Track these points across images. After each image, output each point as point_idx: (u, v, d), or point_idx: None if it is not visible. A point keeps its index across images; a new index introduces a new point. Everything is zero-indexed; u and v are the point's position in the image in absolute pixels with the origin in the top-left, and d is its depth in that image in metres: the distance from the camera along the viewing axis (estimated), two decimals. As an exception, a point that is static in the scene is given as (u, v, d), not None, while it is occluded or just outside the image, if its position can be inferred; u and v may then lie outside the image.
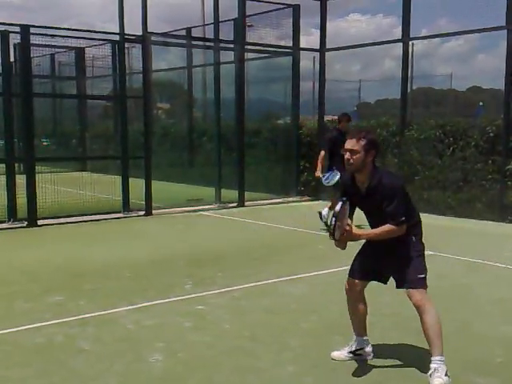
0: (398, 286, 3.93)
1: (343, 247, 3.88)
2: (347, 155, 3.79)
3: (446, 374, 3.68)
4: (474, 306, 5.51)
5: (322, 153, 9.31)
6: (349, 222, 3.79)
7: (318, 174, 9.27)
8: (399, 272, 3.85)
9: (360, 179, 3.85)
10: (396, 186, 3.79)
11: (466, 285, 6.19)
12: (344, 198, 3.77)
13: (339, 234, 3.70)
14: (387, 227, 3.75)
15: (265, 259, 7.40)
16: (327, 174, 8.93)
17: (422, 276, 3.81)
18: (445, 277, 6.55)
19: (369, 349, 4.18)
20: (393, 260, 3.88)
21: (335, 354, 4.21)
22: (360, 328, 4.17)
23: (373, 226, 3.90)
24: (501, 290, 6.07)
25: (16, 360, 4.20)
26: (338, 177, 8.61)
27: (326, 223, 3.72)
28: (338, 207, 3.65)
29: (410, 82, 13.72)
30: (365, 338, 4.18)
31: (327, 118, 13.76)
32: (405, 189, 3.87)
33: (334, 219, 3.62)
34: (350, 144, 3.79)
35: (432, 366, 3.72)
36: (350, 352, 4.17)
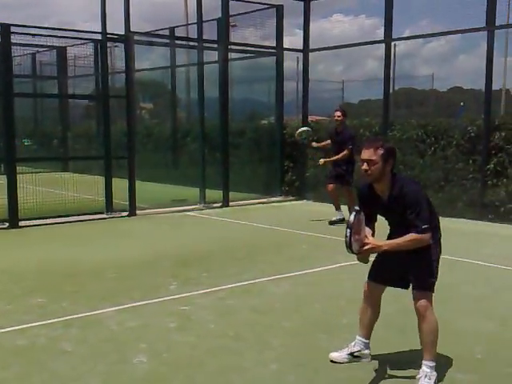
0: (409, 287, 3.86)
1: (366, 261, 3.81)
2: (364, 166, 3.68)
3: (435, 382, 3.68)
4: (454, 303, 5.56)
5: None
6: (367, 233, 3.72)
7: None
8: (415, 272, 3.79)
9: (379, 188, 3.77)
10: (419, 194, 3.71)
11: (446, 283, 6.19)
12: (357, 209, 3.68)
13: (358, 247, 3.61)
14: (410, 236, 3.65)
15: (249, 259, 7.40)
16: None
17: (432, 280, 3.78)
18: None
19: (367, 351, 4.15)
20: (413, 261, 3.79)
21: (334, 355, 4.17)
22: (366, 330, 4.14)
23: (395, 235, 3.81)
24: (481, 287, 6.14)
25: (-2, 362, 4.16)
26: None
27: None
28: (351, 218, 3.55)
29: (392, 82, 13.85)
30: (367, 341, 4.15)
31: (311, 118, 13.81)
32: (426, 195, 3.80)
33: (348, 231, 3.49)
34: (367, 154, 3.68)
35: (424, 369, 3.71)
36: (349, 354, 4.13)
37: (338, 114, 10.01)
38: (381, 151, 3.68)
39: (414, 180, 3.93)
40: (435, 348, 3.76)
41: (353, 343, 4.16)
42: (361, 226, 3.64)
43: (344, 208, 9.84)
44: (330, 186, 10.03)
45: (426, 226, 3.64)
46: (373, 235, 3.87)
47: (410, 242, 3.67)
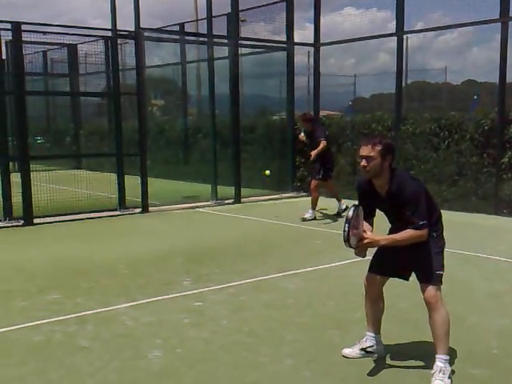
0: (418, 280, 3.86)
1: (363, 255, 3.84)
2: (363, 162, 3.71)
3: (449, 377, 3.67)
4: (468, 299, 5.53)
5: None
6: (366, 227, 3.74)
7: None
8: (419, 266, 3.81)
9: (378, 184, 3.78)
10: (417, 191, 3.70)
11: (460, 278, 6.21)
12: (357, 204, 3.71)
13: (356, 241, 3.64)
14: (407, 233, 3.67)
15: (262, 255, 7.41)
16: None
17: (440, 272, 3.77)
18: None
19: (380, 347, 4.15)
20: (413, 254, 3.80)
21: (347, 351, 4.18)
22: (375, 325, 4.15)
23: (394, 229, 3.84)
24: (495, 283, 6.10)
25: (14, 359, 4.20)
26: None
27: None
28: (350, 213, 3.57)
29: (404, 76, 13.74)
30: (377, 335, 4.15)
31: (322, 113, 13.76)
32: (424, 188, 3.79)
33: (347, 225, 3.53)
34: (365, 151, 3.70)
35: (438, 364, 3.70)
36: (362, 349, 4.14)
37: (301, 123, 10.61)
38: (379, 147, 3.70)
39: (414, 176, 3.89)
40: (448, 341, 3.75)
41: (364, 339, 4.16)
42: (359, 220, 3.65)
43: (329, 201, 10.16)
44: (313, 183, 10.13)
45: (423, 223, 3.66)
46: (371, 230, 3.87)
47: (407, 238, 3.70)
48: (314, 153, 9.88)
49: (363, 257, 3.85)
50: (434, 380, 3.66)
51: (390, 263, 3.97)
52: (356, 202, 3.80)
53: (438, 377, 3.66)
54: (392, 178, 3.75)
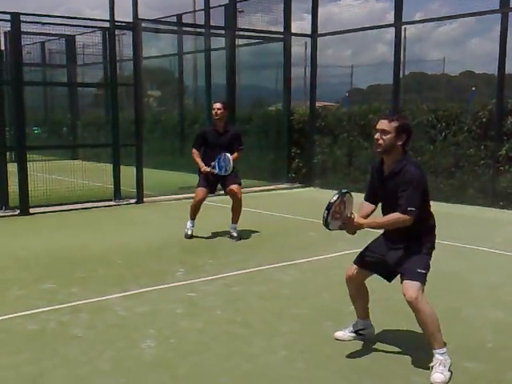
0: (401, 279, 3.84)
1: (353, 233, 3.86)
2: (377, 135, 3.76)
3: (449, 369, 3.68)
4: (464, 291, 5.55)
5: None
6: (352, 212, 3.75)
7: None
8: (403, 263, 3.79)
9: (387, 163, 3.82)
10: (417, 177, 3.71)
11: (456, 270, 6.22)
12: (344, 190, 3.71)
13: (337, 225, 3.71)
14: (392, 216, 3.70)
15: (256, 246, 7.42)
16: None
17: (422, 271, 3.73)
18: (434, 262, 6.58)
19: (370, 330, 4.26)
20: (401, 252, 3.82)
21: (339, 334, 4.29)
22: (362, 313, 4.23)
23: (384, 215, 3.84)
24: (491, 275, 6.11)
25: (8, 347, 4.20)
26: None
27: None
28: (333, 199, 3.62)
29: (402, 67, 13.71)
30: (367, 321, 4.24)
31: (319, 103, 13.73)
32: (425, 181, 3.78)
33: (326, 212, 3.59)
34: (382, 125, 3.76)
35: (437, 357, 3.70)
36: (353, 332, 4.24)
37: (219, 105, 7.70)
38: (395, 124, 3.73)
39: (420, 166, 3.87)
40: (440, 335, 3.75)
41: (355, 322, 4.25)
42: (346, 205, 3.68)
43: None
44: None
45: (411, 209, 3.65)
46: (368, 216, 3.91)
47: (391, 221, 3.73)
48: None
49: (353, 234, 3.87)
50: (433, 373, 3.67)
51: (375, 257, 3.99)
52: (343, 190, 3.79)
53: (437, 369, 3.66)
54: (400, 160, 3.76)
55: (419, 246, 3.81)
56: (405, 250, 3.82)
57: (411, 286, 3.69)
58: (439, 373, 3.65)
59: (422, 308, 3.67)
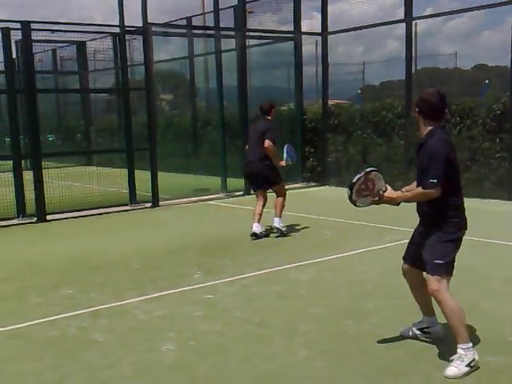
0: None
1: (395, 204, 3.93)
2: None
3: (468, 364, 3.64)
4: (481, 285, 5.50)
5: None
6: (386, 185, 3.86)
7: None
8: (425, 255, 3.81)
9: (421, 136, 3.92)
10: (436, 149, 3.72)
11: (473, 264, 6.16)
12: (369, 168, 3.83)
13: (367, 202, 3.87)
14: (417, 190, 3.81)
15: (273, 246, 7.41)
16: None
17: (440, 262, 3.72)
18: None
19: (437, 328, 4.18)
20: (425, 238, 3.85)
21: (404, 330, 4.26)
22: (425, 308, 4.19)
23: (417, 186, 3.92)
24: (508, 268, 6.05)
25: (29, 353, 4.24)
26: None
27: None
28: (355, 179, 3.78)
29: (414, 62, 13.61)
30: (432, 317, 4.18)
31: (331, 102, 13.68)
32: (450, 159, 3.74)
33: (349, 191, 3.79)
34: None
35: (458, 351, 3.70)
36: (419, 329, 4.20)
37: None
38: (416, 100, 3.94)
39: (448, 141, 3.85)
40: (463, 329, 3.72)
41: (420, 320, 4.21)
42: (373, 183, 3.82)
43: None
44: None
45: (432, 181, 3.67)
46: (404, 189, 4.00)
47: (415, 194, 3.82)
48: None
49: (397, 205, 3.93)
50: (449, 366, 3.65)
51: (414, 253, 3.97)
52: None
53: (454, 363, 3.65)
54: (426, 132, 3.84)
55: (442, 223, 3.77)
56: (429, 231, 3.81)
57: (432, 279, 3.73)
58: (454, 366, 3.64)
59: (443, 300, 3.68)
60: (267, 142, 7.74)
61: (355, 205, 3.87)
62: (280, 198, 8.04)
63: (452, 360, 3.69)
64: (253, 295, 5.43)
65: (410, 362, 3.89)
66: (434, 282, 3.71)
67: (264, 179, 7.95)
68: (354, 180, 3.77)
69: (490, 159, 10.27)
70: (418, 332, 4.20)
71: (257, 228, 7.77)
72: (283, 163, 8.04)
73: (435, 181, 3.66)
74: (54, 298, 5.50)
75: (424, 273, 3.90)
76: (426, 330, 4.18)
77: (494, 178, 10.25)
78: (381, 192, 3.83)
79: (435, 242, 3.78)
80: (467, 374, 3.63)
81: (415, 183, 3.97)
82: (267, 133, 7.82)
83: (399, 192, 3.88)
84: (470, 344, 3.72)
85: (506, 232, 7.62)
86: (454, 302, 3.71)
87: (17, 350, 4.32)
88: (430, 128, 3.82)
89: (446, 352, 3.85)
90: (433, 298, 3.86)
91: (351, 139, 12.47)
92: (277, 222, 7.92)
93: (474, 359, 3.68)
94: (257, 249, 7.28)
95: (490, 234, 7.45)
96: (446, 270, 3.75)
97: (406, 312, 4.64)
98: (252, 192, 8.34)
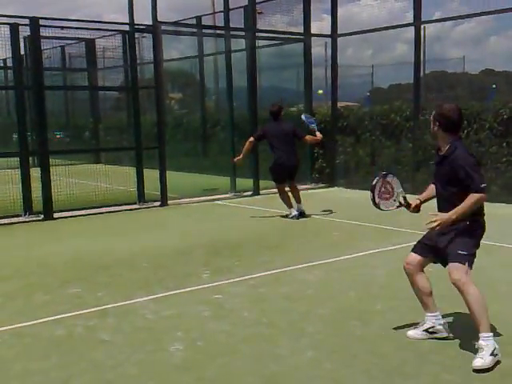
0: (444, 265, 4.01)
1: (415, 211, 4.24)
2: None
3: (492, 353, 3.73)
4: (490, 288, 5.45)
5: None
6: (436, 213, 3.96)
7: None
8: (447, 248, 3.94)
9: (440, 147, 4.10)
10: (471, 159, 3.93)
11: (481, 267, 6.09)
12: (384, 172, 4.18)
13: (393, 205, 4.19)
14: (469, 199, 3.85)
15: (281, 247, 7.40)
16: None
17: (463, 252, 3.86)
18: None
19: (440, 326, 4.20)
20: (448, 236, 3.95)
21: (410, 333, 4.30)
22: (425, 303, 4.23)
23: (438, 197, 4.13)
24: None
25: (36, 352, 4.24)
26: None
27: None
28: (374, 182, 4.12)
29: (422, 66, 13.58)
30: (434, 313, 4.20)
31: (340, 104, 13.66)
32: (476, 160, 4.00)
33: (371, 194, 4.10)
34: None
35: (480, 342, 3.78)
36: (424, 330, 4.23)
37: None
38: (433, 113, 4.17)
39: (467, 149, 4.10)
40: (486, 319, 3.79)
41: (425, 320, 4.25)
42: (392, 186, 4.17)
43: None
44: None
45: (484, 185, 3.86)
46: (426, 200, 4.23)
47: (471, 205, 3.87)
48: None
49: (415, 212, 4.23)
50: (475, 357, 3.74)
51: (430, 243, 4.10)
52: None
53: (478, 354, 3.74)
54: (448, 144, 4.01)
55: (467, 221, 3.91)
56: (453, 232, 3.92)
57: (454, 268, 3.85)
58: (479, 358, 3.72)
59: (466, 290, 3.79)
60: (308, 137, 9.55)
61: (379, 208, 4.13)
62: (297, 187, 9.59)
63: (477, 351, 3.75)
64: (261, 296, 5.42)
65: (417, 364, 3.87)
66: (456, 271, 3.82)
67: (296, 171, 9.58)
68: (374, 182, 4.09)
69: (498, 163, 10.24)
70: (423, 333, 4.22)
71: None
72: (319, 135, 9.57)
73: (485, 184, 3.87)
74: (61, 297, 5.50)
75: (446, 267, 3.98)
76: (430, 330, 4.20)
77: (501, 182, 10.22)
78: (401, 196, 4.14)
79: (458, 236, 3.91)
80: (493, 363, 3.71)
81: (430, 189, 4.24)
82: (296, 130, 9.42)
83: (451, 212, 3.88)
84: (491, 333, 3.80)
85: (514, 236, 7.58)
86: (477, 291, 3.81)
87: (23, 348, 4.32)
88: (450, 140, 4.01)
89: (453, 356, 3.83)
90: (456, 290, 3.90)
91: (360, 141, 12.45)
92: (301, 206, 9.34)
93: (495, 348, 3.77)
94: (264, 249, 7.27)
95: (497, 237, 7.40)
96: (469, 260, 3.89)
97: (412, 313, 4.62)
98: (276, 184, 9.52)
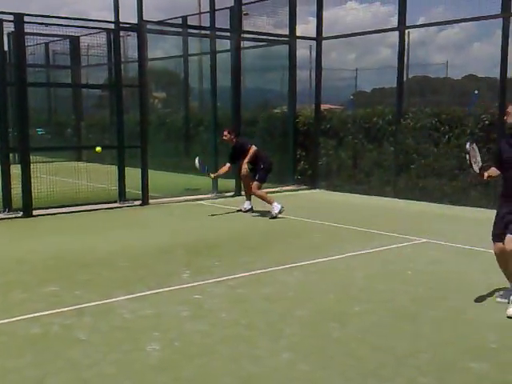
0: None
1: (482, 181, 5.19)
2: (506, 116, 4.89)
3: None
4: (467, 292, 5.52)
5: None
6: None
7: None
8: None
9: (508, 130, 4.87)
10: None
11: (459, 271, 6.20)
12: (469, 140, 4.94)
13: (477, 168, 4.85)
14: None
15: (262, 248, 7.41)
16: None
17: None
18: (438, 263, 6.58)
19: None
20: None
21: (510, 311, 4.74)
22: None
23: (506, 181, 4.95)
24: (494, 276, 6.07)
25: (11, 350, 4.19)
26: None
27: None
28: (467, 146, 4.78)
29: (406, 70, 13.70)
30: None
31: (324, 106, 13.73)
32: None
33: (467, 156, 4.75)
34: (508, 107, 4.89)
35: None
36: None
37: (225, 133, 10.07)
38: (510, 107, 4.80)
39: None
40: None
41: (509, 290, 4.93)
42: (476, 153, 4.90)
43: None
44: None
45: None
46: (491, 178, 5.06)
47: None
48: (246, 161, 9.74)
49: (481, 182, 5.26)
50: (509, 307, 4.60)
51: (502, 230, 4.82)
52: None
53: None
54: None
55: None
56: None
57: (509, 238, 4.61)
58: None
59: None
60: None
61: (472, 168, 4.84)
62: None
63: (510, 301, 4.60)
64: (240, 296, 5.42)
65: (394, 367, 3.89)
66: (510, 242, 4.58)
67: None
68: (467, 146, 4.80)
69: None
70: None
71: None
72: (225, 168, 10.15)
73: None
74: (39, 295, 5.44)
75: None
76: None
77: (481, 187, 10.32)
78: (479, 163, 4.86)
79: None
80: None
81: (494, 170, 5.05)
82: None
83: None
84: None
85: (491, 240, 7.64)
86: None
87: (-1, 345, 4.28)
88: None
89: (428, 359, 3.86)
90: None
91: (342, 144, 12.51)
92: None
93: None
94: (246, 250, 7.27)
95: (476, 241, 7.49)
96: None
97: (390, 316, 4.65)
98: (260, 184, 9.85)
